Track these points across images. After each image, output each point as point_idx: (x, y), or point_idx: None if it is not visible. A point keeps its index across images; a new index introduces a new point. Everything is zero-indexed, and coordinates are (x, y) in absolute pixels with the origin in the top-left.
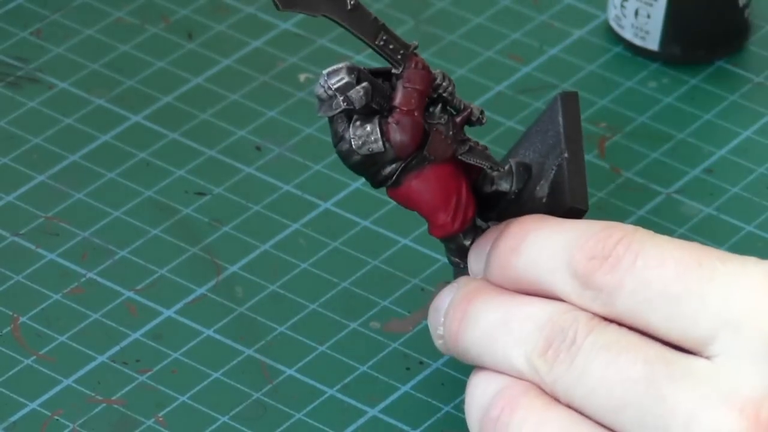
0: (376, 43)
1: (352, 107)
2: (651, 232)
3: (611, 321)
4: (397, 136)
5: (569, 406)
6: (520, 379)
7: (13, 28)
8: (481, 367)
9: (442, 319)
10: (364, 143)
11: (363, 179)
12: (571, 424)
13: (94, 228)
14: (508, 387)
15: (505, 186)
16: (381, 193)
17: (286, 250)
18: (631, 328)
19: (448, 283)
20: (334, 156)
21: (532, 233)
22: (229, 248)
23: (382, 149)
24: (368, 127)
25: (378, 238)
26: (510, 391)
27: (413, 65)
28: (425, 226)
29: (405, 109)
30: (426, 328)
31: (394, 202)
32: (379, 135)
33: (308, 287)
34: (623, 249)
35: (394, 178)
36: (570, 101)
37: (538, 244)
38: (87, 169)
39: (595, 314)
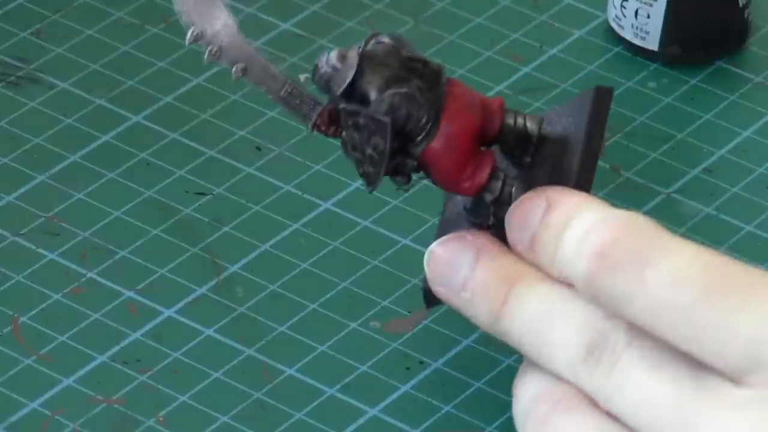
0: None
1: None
2: (656, 229)
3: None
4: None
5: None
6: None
7: (13, 28)
8: (529, 365)
9: (461, 281)
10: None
11: (362, 180)
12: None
13: (94, 228)
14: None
15: (532, 127)
16: (381, 193)
17: (286, 250)
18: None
19: None
20: (334, 156)
21: (575, 218)
22: (229, 248)
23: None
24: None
25: (378, 238)
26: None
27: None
28: (425, 226)
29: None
30: (426, 328)
31: (394, 202)
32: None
33: (308, 287)
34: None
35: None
36: (603, 96)
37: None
38: (87, 169)
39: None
